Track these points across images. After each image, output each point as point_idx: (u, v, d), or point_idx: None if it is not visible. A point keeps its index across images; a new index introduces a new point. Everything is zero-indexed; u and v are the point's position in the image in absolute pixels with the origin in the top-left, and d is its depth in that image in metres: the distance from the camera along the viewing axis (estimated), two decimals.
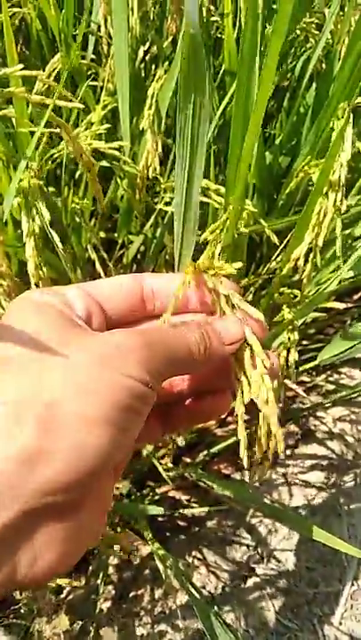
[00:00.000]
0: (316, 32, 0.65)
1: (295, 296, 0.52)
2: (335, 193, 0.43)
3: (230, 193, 0.47)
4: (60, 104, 0.48)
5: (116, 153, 0.56)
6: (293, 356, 0.49)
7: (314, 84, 0.67)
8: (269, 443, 0.34)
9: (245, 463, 0.31)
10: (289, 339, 0.51)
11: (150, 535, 0.71)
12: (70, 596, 0.74)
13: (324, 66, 0.66)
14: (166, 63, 0.64)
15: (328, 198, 0.43)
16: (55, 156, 0.62)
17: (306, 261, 0.46)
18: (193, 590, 0.50)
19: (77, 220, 0.69)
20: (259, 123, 0.39)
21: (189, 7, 0.31)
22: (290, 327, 0.50)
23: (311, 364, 0.55)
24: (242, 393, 0.32)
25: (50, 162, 0.63)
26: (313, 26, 0.65)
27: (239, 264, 0.34)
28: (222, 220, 0.45)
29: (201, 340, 0.29)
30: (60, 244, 0.51)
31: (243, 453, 0.31)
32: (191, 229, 0.39)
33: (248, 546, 0.77)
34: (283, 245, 0.54)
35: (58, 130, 0.50)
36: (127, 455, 0.31)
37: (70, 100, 0.53)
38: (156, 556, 0.65)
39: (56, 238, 0.50)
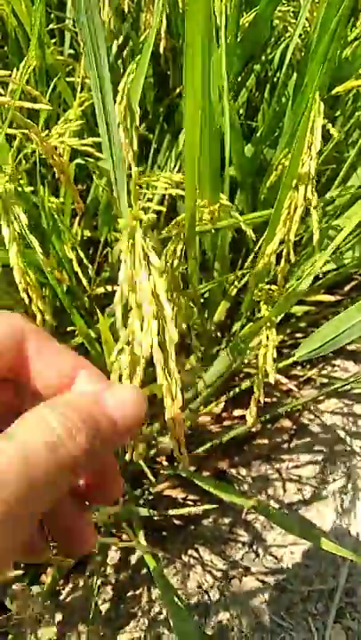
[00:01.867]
0: (294, 20, 0.64)
1: (272, 292, 0.51)
2: (305, 186, 0.41)
3: (201, 187, 0.46)
4: (26, 105, 0.47)
5: (90, 150, 0.55)
6: (271, 353, 0.48)
7: (295, 74, 0.65)
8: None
9: None
10: (267, 337, 0.49)
11: (142, 539, 0.71)
12: (68, 598, 0.74)
13: (302, 54, 0.64)
14: (138, 57, 0.63)
15: (298, 192, 0.42)
16: (31, 155, 0.62)
17: (280, 256, 0.45)
18: (177, 600, 0.50)
19: (57, 220, 0.68)
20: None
21: None
22: (268, 324, 0.49)
23: (289, 361, 0.54)
24: None
25: (25, 161, 0.63)
26: (290, 14, 0.64)
27: None
28: (182, 216, 0.44)
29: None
30: (38, 249, 0.50)
31: None
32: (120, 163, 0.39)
33: (243, 543, 0.77)
34: (261, 241, 0.52)
35: (27, 130, 0.50)
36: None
37: (38, 101, 0.52)
38: (148, 561, 0.65)
39: (35, 243, 0.50)
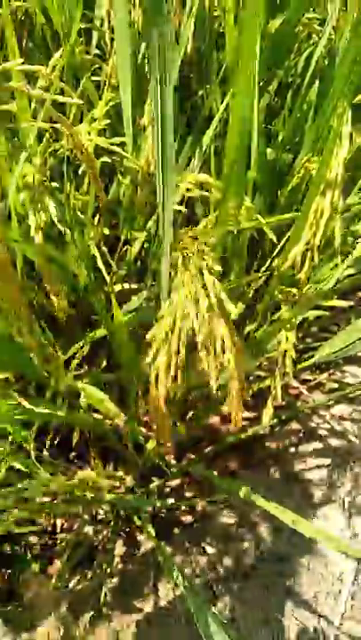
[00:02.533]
0: (319, 28, 0.65)
1: (294, 294, 0.52)
2: (332, 191, 0.42)
3: (226, 188, 0.47)
4: (59, 99, 0.48)
5: (117, 149, 0.56)
6: (290, 353, 0.49)
7: (317, 81, 0.66)
8: None
9: None
10: (287, 338, 0.50)
11: (152, 531, 0.72)
12: (76, 589, 0.75)
13: (326, 62, 0.65)
14: None
15: (325, 197, 0.43)
16: (59, 151, 0.62)
17: (304, 260, 0.46)
18: (190, 589, 0.50)
19: (80, 216, 0.69)
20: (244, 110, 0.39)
21: None
22: (288, 326, 0.50)
23: (310, 362, 0.54)
24: None
25: (52, 157, 0.63)
26: (316, 21, 0.64)
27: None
28: (213, 215, 0.45)
29: None
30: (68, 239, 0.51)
31: None
32: (171, 167, 0.40)
33: (250, 543, 0.77)
34: (282, 243, 0.53)
35: (58, 125, 0.51)
36: None
37: (70, 96, 0.53)
38: (159, 552, 0.66)
39: (64, 232, 0.51)
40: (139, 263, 0.83)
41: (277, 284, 0.54)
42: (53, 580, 0.72)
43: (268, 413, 0.54)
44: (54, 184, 0.66)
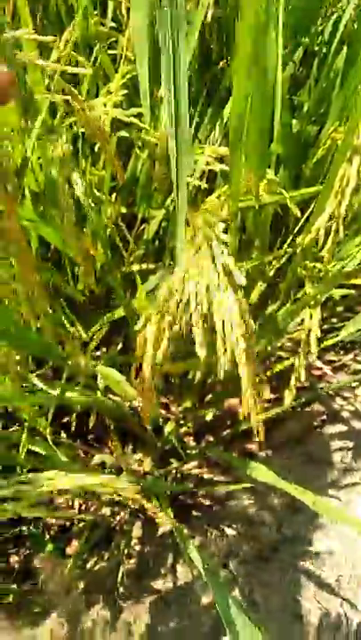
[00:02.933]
0: None
1: (319, 270, 0.50)
2: (360, 158, 0.40)
3: (246, 160, 0.45)
4: (73, 70, 0.46)
5: (134, 120, 0.54)
6: (315, 332, 0.47)
7: (345, 48, 0.63)
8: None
9: None
10: (311, 316, 0.48)
11: (170, 513, 0.71)
12: (94, 569, 0.75)
13: (355, 26, 0.62)
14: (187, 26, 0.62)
15: (352, 164, 0.40)
16: (73, 127, 0.61)
17: (328, 234, 0.44)
18: (209, 571, 0.49)
19: (97, 193, 0.68)
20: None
21: None
22: (312, 303, 0.48)
23: (334, 340, 0.52)
24: None
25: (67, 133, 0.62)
26: None
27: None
28: (229, 187, 0.43)
29: None
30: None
31: None
32: (186, 142, 0.38)
33: (271, 526, 0.76)
34: (306, 215, 0.51)
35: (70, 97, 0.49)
36: None
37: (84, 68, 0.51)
38: (177, 533, 0.65)
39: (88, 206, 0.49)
40: (157, 242, 0.82)
41: (301, 261, 0.52)
42: (71, 561, 0.72)
43: (290, 394, 0.52)
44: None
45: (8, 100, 0.34)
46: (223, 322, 0.37)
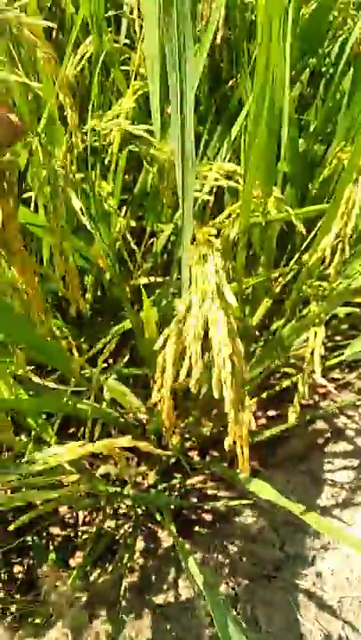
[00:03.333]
0: (355, 12, 0.62)
1: (323, 289, 0.50)
2: None
3: (249, 176, 0.45)
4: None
5: (144, 134, 0.55)
6: (319, 351, 0.47)
7: (351, 69, 0.64)
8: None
9: None
10: (315, 334, 0.49)
11: (173, 528, 0.71)
12: (96, 583, 0.74)
13: None
14: (197, 45, 0.63)
15: (358, 185, 0.41)
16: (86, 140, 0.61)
17: (334, 252, 0.44)
18: (209, 587, 0.49)
19: (106, 207, 0.68)
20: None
21: None
22: (317, 321, 0.48)
23: (339, 359, 0.52)
24: None
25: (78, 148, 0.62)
26: (351, 6, 0.62)
27: None
28: (238, 204, 0.43)
29: None
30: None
31: None
32: (190, 158, 0.38)
33: (274, 544, 0.76)
34: (313, 234, 0.51)
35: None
36: None
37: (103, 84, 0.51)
38: (180, 549, 0.65)
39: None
40: (165, 256, 0.82)
41: (306, 278, 0.52)
42: (74, 573, 0.72)
43: (294, 411, 0.52)
44: (80, 175, 0.66)
45: (17, 141, 0.38)
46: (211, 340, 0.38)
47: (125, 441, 0.42)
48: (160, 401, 0.47)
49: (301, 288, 0.55)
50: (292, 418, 0.52)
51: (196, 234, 0.43)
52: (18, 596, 0.71)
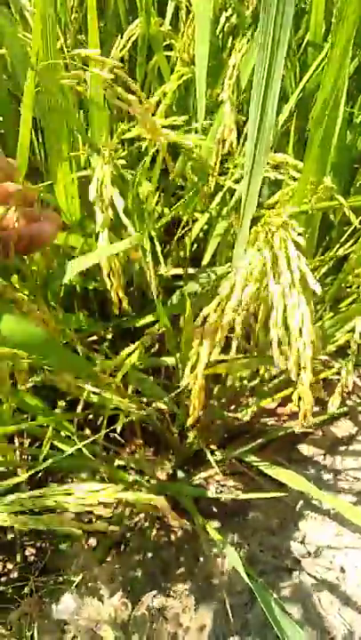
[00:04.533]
0: None
1: None
2: None
3: (306, 166, 0.45)
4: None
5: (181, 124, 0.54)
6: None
7: None
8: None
9: None
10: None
11: (198, 515, 0.70)
12: (112, 567, 0.74)
13: None
14: (249, 33, 0.62)
15: None
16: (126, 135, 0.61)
17: None
18: (248, 575, 0.49)
19: (142, 201, 0.68)
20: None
21: None
22: None
23: None
24: None
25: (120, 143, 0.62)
26: None
27: None
28: (293, 187, 0.43)
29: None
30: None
31: None
32: (266, 145, 0.38)
33: (294, 539, 0.75)
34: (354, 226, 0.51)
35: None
36: None
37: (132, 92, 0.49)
38: (210, 531, 0.64)
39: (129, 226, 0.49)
40: (195, 246, 0.82)
41: (352, 269, 0.52)
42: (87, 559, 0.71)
43: (335, 402, 0.52)
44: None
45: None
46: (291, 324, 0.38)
47: (160, 501, 0.42)
48: (192, 382, 0.47)
49: (345, 279, 0.55)
50: (332, 408, 0.52)
51: (261, 215, 0.43)
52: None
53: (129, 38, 0.62)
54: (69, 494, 0.38)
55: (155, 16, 0.63)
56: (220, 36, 0.70)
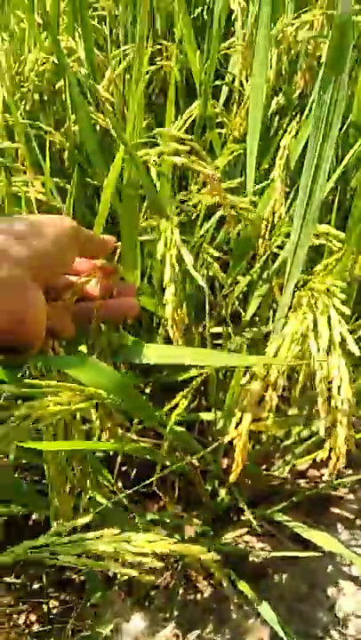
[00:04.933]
0: None
1: None
2: None
3: (349, 236, 0.49)
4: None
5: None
6: None
7: None
8: None
9: None
10: None
11: (225, 576, 0.70)
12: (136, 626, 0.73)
13: None
14: (299, 116, 0.68)
15: None
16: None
17: None
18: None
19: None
20: None
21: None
22: None
23: None
24: None
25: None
26: None
27: None
28: (335, 256, 0.47)
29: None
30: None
31: None
32: (313, 222, 0.42)
33: (323, 605, 0.74)
34: None
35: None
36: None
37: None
38: (243, 588, 0.63)
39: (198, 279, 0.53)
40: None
41: None
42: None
43: None
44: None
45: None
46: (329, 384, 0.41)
47: (209, 555, 0.43)
48: (236, 438, 0.49)
49: None
50: None
51: (306, 281, 0.46)
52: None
53: (187, 118, 0.69)
54: (128, 542, 0.39)
55: (210, 99, 0.69)
56: (269, 116, 0.76)
